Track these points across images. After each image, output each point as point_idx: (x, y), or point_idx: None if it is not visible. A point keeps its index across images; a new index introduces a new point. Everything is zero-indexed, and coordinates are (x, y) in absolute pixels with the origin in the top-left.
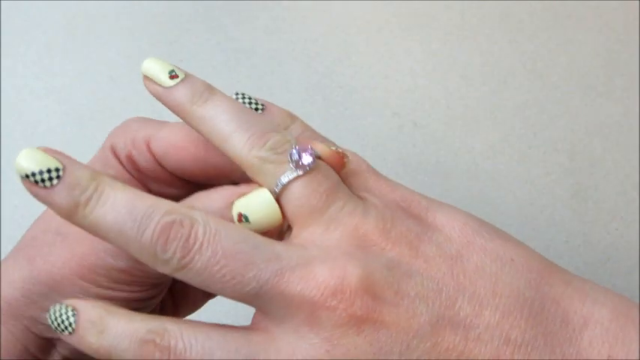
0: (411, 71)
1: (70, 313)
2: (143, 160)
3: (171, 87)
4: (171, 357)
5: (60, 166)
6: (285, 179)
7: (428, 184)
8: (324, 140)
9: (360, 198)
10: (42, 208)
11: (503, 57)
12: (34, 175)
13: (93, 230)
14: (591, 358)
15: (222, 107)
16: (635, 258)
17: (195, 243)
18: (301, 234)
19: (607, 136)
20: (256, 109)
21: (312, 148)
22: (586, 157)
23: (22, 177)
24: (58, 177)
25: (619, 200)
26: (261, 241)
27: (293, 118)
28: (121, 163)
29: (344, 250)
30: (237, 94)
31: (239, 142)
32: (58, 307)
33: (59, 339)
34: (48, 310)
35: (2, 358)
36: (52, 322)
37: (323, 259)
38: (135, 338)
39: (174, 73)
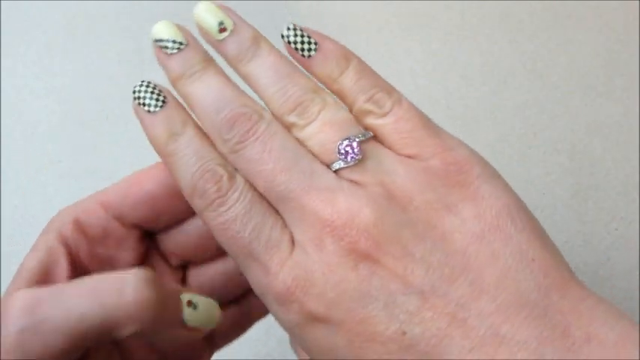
0: (411, 71)
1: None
2: (94, 219)
3: (219, 41)
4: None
5: (184, 42)
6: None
7: None
8: (377, 90)
9: (409, 156)
10: (42, 207)
11: (503, 57)
12: (161, 41)
13: (186, 98)
14: None
15: (264, 68)
16: (635, 258)
17: (253, 135)
18: (344, 175)
19: (607, 136)
20: (309, 52)
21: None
22: (586, 157)
23: (153, 40)
24: (179, 49)
25: (619, 200)
26: (306, 157)
27: (348, 59)
28: (62, 242)
29: (370, 195)
30: (289, 28)
31: (275, 105)
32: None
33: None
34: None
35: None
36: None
37: (349, 194)
38: None
39: (222, 26)
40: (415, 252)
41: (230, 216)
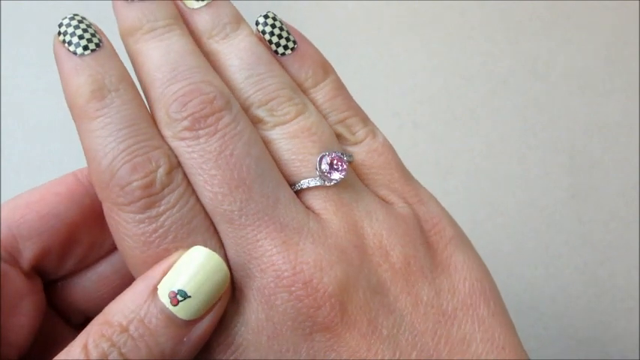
0: (411, 71)
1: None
2: None
3: (194, 10)
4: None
5: None
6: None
7: (428, 184)
8: (352, 113)
9: (379, 197)
10: None
11: (503, 57)
12: None
13: (134, 56)
14: None
15: (238, 49)
16: (635, 258)
17: (211, 125)
18: (315, 199)
19: (607, 136)
20: (285, 49)
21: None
22: (586, 157)
23: None
24: None
25: (619, 200)
26: (272, 174)
27: (327, 71)
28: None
29: (341, 244)
30: (267, 17)
31: (242, 93)
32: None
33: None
34: None
35: None
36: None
37: (317, 241)
38: None
39: None
40: (383, 327)
41: (158, 225)
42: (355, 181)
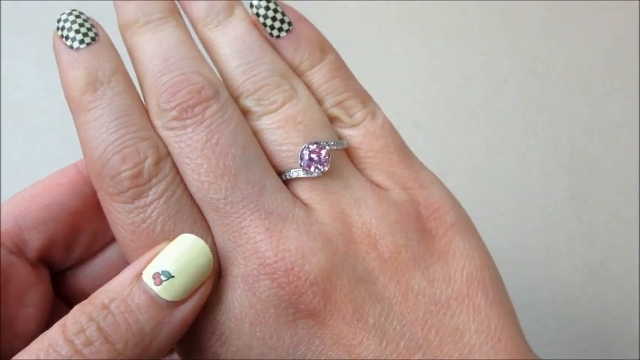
0: (411, 71)
1: None
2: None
3: None
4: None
5: None
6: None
7: None
8: (351, 94)
9: (375, 182)
10: None
11: (503, 57)
12: None
13: (131, 49)
14: None
15: (230, 37)
16: (635, 258)
17: (199, 114)
18: (302, 188)
19: (607, 136)
20: (279, 31)
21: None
22: (586, 157)
23: None
24: None
25: (619, 200)
26: (259, 162)
27: (324, 51)
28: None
29: (326, 231)
30: None
31: (233, 82)
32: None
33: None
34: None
35: None
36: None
37: (302, 228)
38: None
39: None
40: (369, 316)
41: (146, 216)
42: (345, 167)
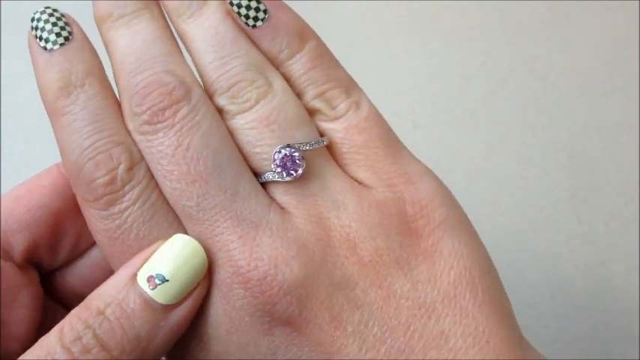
0: (411, 71)
1: None
2: None
3: None
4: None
5: None
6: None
7: None
8: (333, 84)
9: (358, 180)
10: None
11: (503, 57)
12: None
13: (107, 47)
14: None
15: (202, 29)
16: (635, 258)
17: (169, 118)
18: (278, 192)
19: (607, 136)
20: (255, 20)
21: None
22: (586, 157)
23: None
24: None
25: (619, 200)
26: (232, 165)
27: (304, 38)
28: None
29: (302, 237)
30: None
31: (207, 78)
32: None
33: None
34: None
35: None
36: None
37: (276, 235)
38: None
39: None
40: (347, 323)
41: (121, 222)
42: (325, 166)
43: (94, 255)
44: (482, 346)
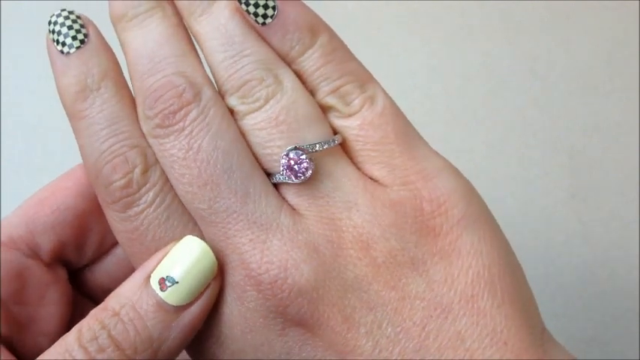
0: (411, 71)
1: None
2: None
3: None
4: None
5: None
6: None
7: None
8: (347, 79)
9: (373, 178)
10: None
11: (503, 57)
12: None
13: (122, 48)
14: None
15: (212, 28)
16: (635, 258)
17: (180, 122)
18: (289, 193)
19: (607, 136)
20: (264, 18)
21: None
22: (586, 157)
23: None
24: None
25: (619, 200)
26: (242, 167)
27: (315, 33)
28: None
29: (312, 240)
30: None
31: (219, 78)
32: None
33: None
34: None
35: None
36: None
37: (287, 237)
38: None
39: None
40: (360, 325)
41: (138, 224)
42: (337, 166)
43: (119, 252)
44: (500, 347)
